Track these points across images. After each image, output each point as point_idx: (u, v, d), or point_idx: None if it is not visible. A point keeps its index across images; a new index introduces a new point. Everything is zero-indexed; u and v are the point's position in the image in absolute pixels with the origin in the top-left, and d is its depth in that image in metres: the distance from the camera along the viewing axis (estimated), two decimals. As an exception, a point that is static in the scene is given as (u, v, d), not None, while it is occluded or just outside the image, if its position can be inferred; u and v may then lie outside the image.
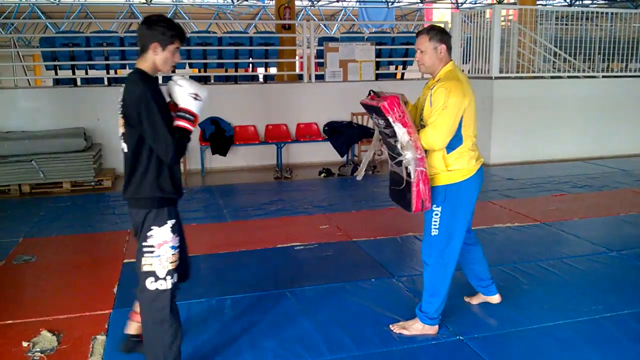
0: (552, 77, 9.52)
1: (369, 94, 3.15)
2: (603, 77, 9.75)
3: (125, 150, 2.67)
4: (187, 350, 3.18)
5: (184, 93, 2.60)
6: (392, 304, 3.77)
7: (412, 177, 3.00)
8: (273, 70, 12.35)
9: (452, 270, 3.31)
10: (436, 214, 3.20)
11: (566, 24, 10.52)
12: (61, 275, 4.45)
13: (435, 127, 3.01)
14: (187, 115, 2.61)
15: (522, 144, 9.06)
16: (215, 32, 13.01)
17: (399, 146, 2.99)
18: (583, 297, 3.82)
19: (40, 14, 20.14)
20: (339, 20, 20.09)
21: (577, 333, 3.35)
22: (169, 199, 2.70)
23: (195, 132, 8.49)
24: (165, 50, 2.62)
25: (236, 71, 9.98)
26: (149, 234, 2.68)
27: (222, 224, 5.80)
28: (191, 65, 9.91)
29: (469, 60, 9.99)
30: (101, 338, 3.35)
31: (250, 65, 10.56)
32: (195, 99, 2.61)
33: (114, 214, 6.20)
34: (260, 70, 11.25)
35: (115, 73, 9.73)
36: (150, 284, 2.71)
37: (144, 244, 2.70)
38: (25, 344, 3.27)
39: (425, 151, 3.05)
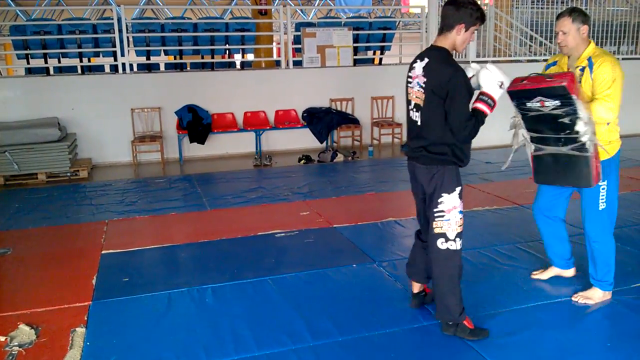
0: (528, 61, 9.58)
1: (521, 80, 3.15)
2: (578, 60, 9.83)
3: (419, 123, 2.93)
4: (168, 340, 3.17)
5: (492, 79, 2.82)
6: (374, 289, 3.79)
7: (591, 151, 3.05)
8: (250, 57, 12.23)
9: (613, 239, 3.44)
10: (603, 188, 3.30)
11: (542, 8, 10.58)
12: (38, 268, 4.38)
13: (611, 99, 3.10)
14: (489, 100, 2.83)
15: (498, 128, 9.08)
16: (190, 18, 12.85)
17: (579, 123, 3.01)
18: (563, 278, 3.87)
19: (9, 1, 19.65)
20: (316, 5, 19.95)
21: (557, 313, 3.41)
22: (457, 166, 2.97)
23: (172, 121, 8.45)
24: (467, 31, 2.81)
25: (212, 58, 9.85)
26: (439, 200, 2.92)
27: (202, 213, 5.75)
28: (166, 52, 9.75)
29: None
30: (80, 330, 3.30)
31: (227, 51, 10.42)
32: (500, 87, 2.82)
33: (90, 205, 6.12)
34: (237, 57, 11.12)
35: (89, 61, 9.55)
36: (442, 244, 2.95)
37: (434, 210, 2.95)
38: (2, 338, 3.22)
39: None
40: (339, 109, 9.20)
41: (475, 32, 3.02)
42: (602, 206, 3.34)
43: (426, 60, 2.85)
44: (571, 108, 3.00)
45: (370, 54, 11.07)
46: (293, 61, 9.37)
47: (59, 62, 9.30)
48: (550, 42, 9.89)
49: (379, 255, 4.37)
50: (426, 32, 9.96)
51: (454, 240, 2.96)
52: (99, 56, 9.41)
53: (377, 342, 3.12)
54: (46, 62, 8.92)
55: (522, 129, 3.33)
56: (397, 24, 11.61)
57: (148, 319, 3.45)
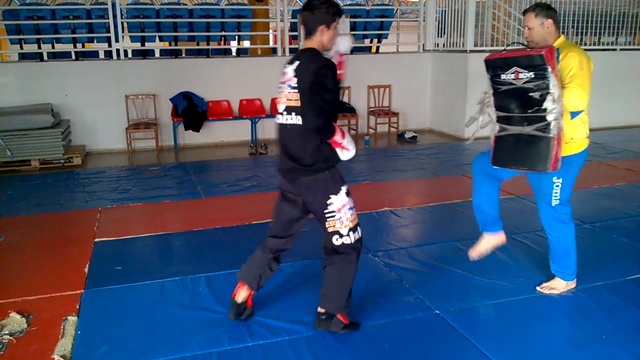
0: (526, 51, 9.52)
1: (502, 51, 3.06)
2: (576, 50, 9.78)
3: (300, 123, 2.81)
4: (161, 329, 3.14)
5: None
6: (369, 279, 3.76)
7: (554, 132, 2.97)
8: (246, 44, 12.14)
9: (574, 227, 3.42)
10: (557, 186, 3.28)
11: (540, -3, 10.50)
12: (30, 255, 4.34)
13: (581, 84, 3.03)
14: (342, 142, 2.85)
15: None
16: (186, 4, 12.69)
17: (548, 99, 2.93)
18: (548, 268, 3.85)
19: (3, -15, 19.41)
20: (312, -8, 19.85)
21: (552, 305, 3.39)
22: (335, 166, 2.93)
23: (167, 108, 8.38)
24: (330, 29, 2.83)
25: (208, 44, 9.78)
26: (329, 202, 2.92)
27: (196, 201, 5.71)
28: (161, 39, 9.67)
29: (444, 33, 9.94)
30: (72, 319, 3.27)
31: (223, 38, 10.35)
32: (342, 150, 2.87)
33: (84, 192, 6.07)
34: (233, 44, 11.04)
35: (83, 47, 9.45)
36: (336, 240, 2.96)
37: (325, 211, 2.94)
38: (-7, 326, 3.19)
39: None
40: (335, 97, 9.13)
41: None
42: (555, 202, 3.33)
43: (297, 62, 2.83)
44: (544, 82, 2.92)
45: (367, 42, 11.00)
46: (289, 48, 9.29)
47: (53, 47, 9.22)
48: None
49: (374, 245, 4.34)
50: (424, 20, 9.90)
51: (348, 235, 2.97)
52: (93, 42, 9.34)
53: (371, 333, 3.10)
54: (39, 47, 8.83)
55: (490, 107, 3.24)
56: (394, 12, 11.53)
57: (141, 307, 3.41)
